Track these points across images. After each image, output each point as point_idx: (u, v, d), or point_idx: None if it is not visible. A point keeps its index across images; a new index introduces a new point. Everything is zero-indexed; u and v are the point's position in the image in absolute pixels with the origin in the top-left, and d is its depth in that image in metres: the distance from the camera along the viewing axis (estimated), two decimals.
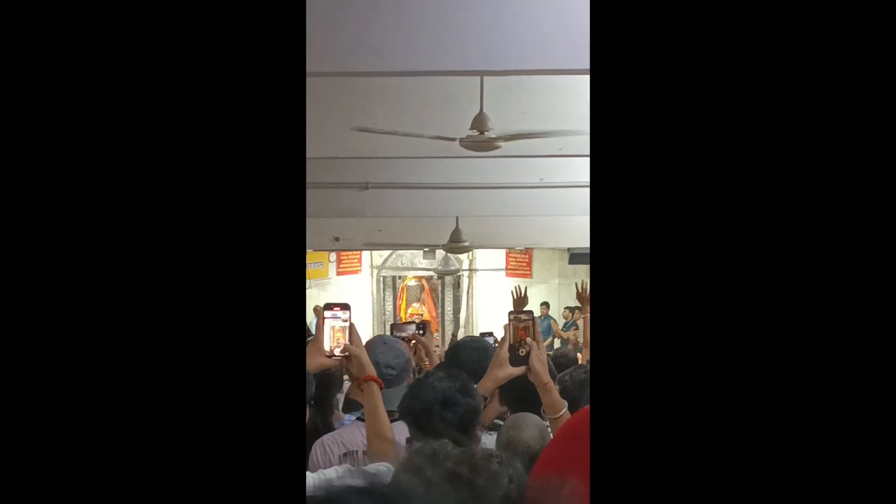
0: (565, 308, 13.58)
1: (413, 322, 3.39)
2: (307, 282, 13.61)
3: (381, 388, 2.17)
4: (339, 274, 14.10)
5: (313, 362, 2.11)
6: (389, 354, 2.69)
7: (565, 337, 12.75)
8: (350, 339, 2.17)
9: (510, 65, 3.89)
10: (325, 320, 2.17)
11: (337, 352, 2.17)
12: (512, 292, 5.35)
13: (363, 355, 2.17)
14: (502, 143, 4.67)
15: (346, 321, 2.19)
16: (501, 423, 2.76)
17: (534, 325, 2.64)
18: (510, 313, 2.87)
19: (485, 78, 4.47)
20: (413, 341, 3.20)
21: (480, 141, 4.61)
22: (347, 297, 13.79)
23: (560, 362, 5.31)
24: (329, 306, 2.22)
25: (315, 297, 13.54)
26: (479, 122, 4.58)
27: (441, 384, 2.17)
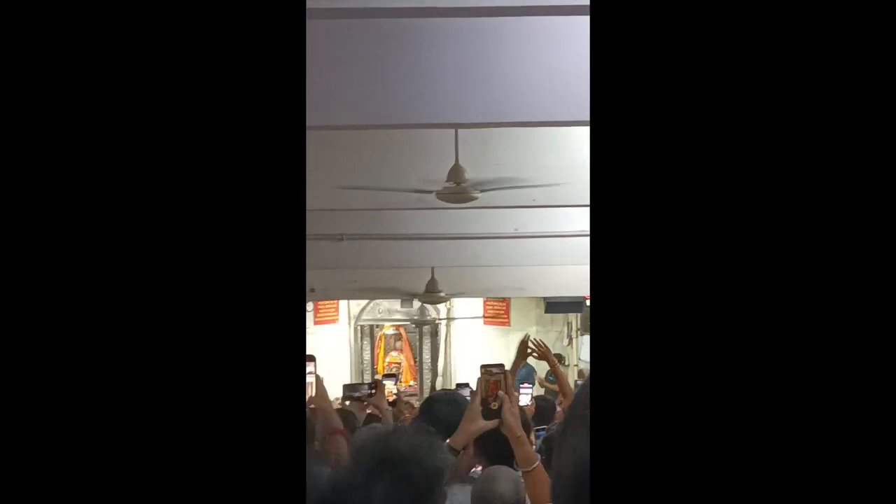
0: None
1: (365, 383, 3.40)
2: None
3: (347, 441, 2.17)
4: (316, 323, 14.04)
5: None
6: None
7: (551, 389, 12.71)
8: (315, 392, 2.15)
9: (484, 117, 3.93)
10: None
11: None
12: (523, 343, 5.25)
13: (329, 408, 2.16)
14: (479, 195, 4.71)
15: (311, 373, 2.17)
16: (476, 475, 2.76)
17: (505, 378, 2.65)
18: (482, 367, 2.88)
19: (459, 130, 4.51)
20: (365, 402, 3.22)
21: (457, 192, 4.65)
22: (325, 347, 13.74)
23: (539, 404, 5.31)
24: None
25: None
26: (455, 174, 4.62)
27: (410, 441, 2.15)
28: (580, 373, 11.36)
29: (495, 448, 2.72)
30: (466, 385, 4.02)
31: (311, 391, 2.17)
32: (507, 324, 14.21)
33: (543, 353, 4.78)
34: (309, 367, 2.20)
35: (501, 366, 2.88)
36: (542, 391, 11.16)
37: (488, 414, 2.54)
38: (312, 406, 2.15)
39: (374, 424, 3.02)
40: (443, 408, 3.00)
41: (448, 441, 2.62)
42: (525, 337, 3.05)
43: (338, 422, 2.17)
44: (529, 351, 4.60)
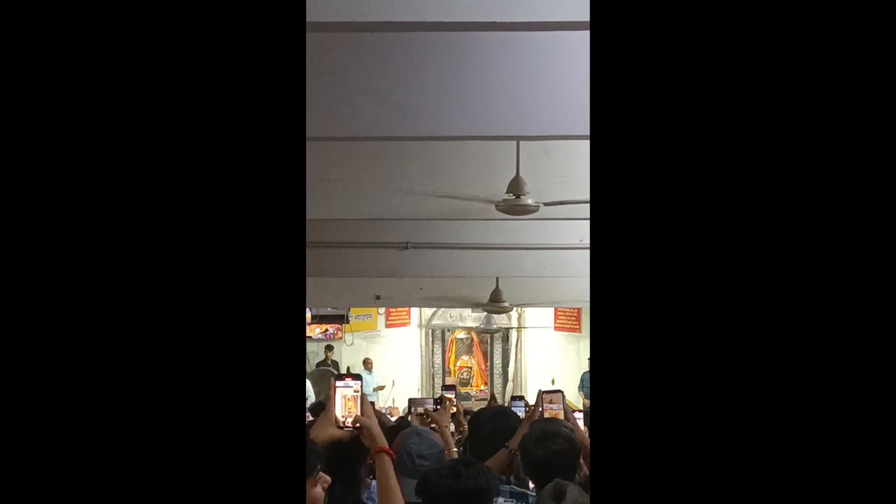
0: None
1: (430, 398, 3.40)
2: (353, 334, 13.65)
3: (392, 460, 2.17)
4: (387, 326, 14.13)
5: (324, 434, 2.09)
6: (422, 445, 2.69)
7: None
8: (361, 410, 2.15)
9: (545, 130, 3.92)
10: (337, 390, 2.14)
11: (348, 422, 2.14)
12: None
13: (374, 426, 2.15)
14: (539, 207, 4.68)
15: (356, 391, 2.16)
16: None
17: (562, 401, 2.78)
18: (539, 392, 2.99)
19: (521, 141, 4.50)
20: (429, 418, 3.22)
21: (517, 205, 4.63)
22: (396, 350, 13.81)
23: None
24: (340, 376, 2.21)
25: (364, 349, 13.55)
26: (515, 187, 4.60)
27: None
28: None
29: (548, 467, 2.73)
30: (521, 398, 4.03)
31: (357, 408, 2.17)
32: (578, 330, 14.11)
33: None
34: (356, 385, 2.20)
35: (560, 392, 2.98)
36: None
37: None
38: (357, 425, 2.14)
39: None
40: (490, 421, 3.02)
41: (507, 444, 2.78)
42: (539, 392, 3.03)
43: (382, 440, 2.17)
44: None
